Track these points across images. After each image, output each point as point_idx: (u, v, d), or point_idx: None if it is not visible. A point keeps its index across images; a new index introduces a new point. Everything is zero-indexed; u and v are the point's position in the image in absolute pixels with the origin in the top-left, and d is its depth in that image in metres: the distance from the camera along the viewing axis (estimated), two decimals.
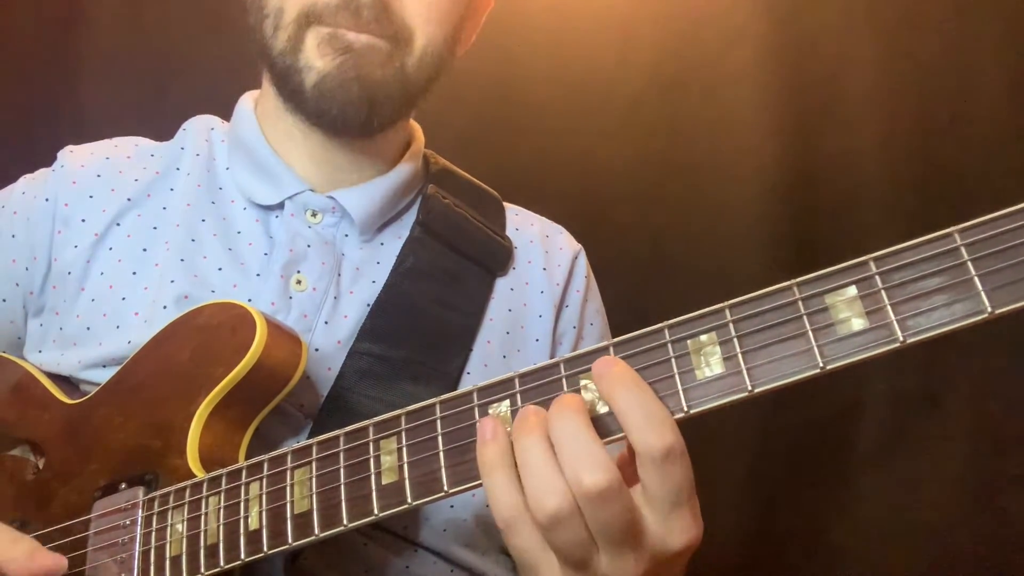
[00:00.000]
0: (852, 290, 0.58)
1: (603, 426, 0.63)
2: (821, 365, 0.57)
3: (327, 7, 0.90)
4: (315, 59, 0.91)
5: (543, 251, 1.09)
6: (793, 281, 0.60)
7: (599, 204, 1.73)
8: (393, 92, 0.95)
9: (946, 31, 1.70)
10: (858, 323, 0.57)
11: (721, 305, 0.62)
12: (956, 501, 1.64)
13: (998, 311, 0.54)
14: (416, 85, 0.97)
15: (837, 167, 1.72)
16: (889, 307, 0.56)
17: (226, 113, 1.08)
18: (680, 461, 0.60)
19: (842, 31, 1.74)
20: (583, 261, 1.12)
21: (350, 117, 0.94)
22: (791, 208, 1.70)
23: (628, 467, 0.63)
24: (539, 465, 0.61)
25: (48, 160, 1.06)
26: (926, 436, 1.66)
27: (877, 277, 0.57)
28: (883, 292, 0.57)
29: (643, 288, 1.62)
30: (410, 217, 1.04)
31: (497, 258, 1.05)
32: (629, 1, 1.78)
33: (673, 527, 0.61)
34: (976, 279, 0.54)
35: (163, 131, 1.09)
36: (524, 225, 1.12)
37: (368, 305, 0.96)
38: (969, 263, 0.55)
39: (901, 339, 0.56)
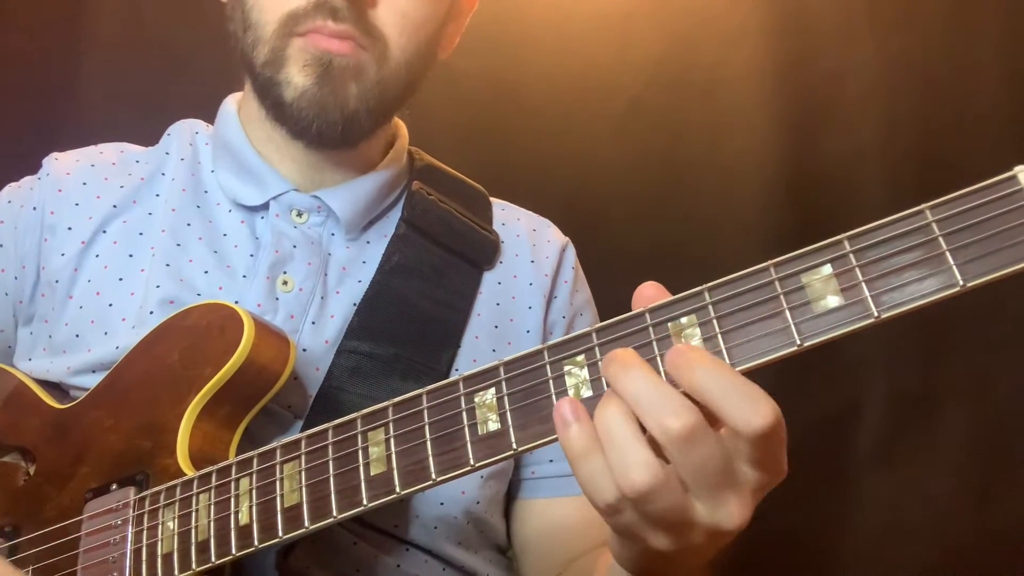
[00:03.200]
0: (827, 268, 0.59)
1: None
2: (798, 342, 0.58)
3: (304, 10, 0.90)
4: (296, 74, 0.92)
5: (530, 244, 1.10)
6: (770, 262, 0.61)
7: (599, 203, 1.74)
8: (370, 106, 0.95)
9: (946, 31, 1.71)
10: (834, 300, 0.58)
11: (700, 288, 0.62)
12: (956, 501, 1.64)
13: (970, 284, 0.55)
14: (392, 95, 0.98)
15: (837, 167, 1.72)
16: (864, 283, 0.57)
17: None
18: (781, 429, 0.58)
19: (842, 31, 1.75)
20: (571, 252, 1.13)
21: (326, 133, 0.94)
22: (791, 207, 1.71)
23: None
24: (622, 438, 0.58)
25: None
26: (926, 436, 1.66)
27: (851, 255, 0.58)
28: (857, 269, 0.58)
29: None
30: (395, 215, 1.05)
31: (484, 252, 1.06)
32: (629, 1, 1.79)
33: (766, 473, 0.60)
34: (947, 254, 0.55)
35: (163, 132, 1.10)
36: (510, 219, 1.12)
37: (355, 304, 0.97)
38: (940, 238, 0.56)
39: (876, 314, 0.57)
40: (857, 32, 1.75)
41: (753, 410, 0.57)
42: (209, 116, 1.10)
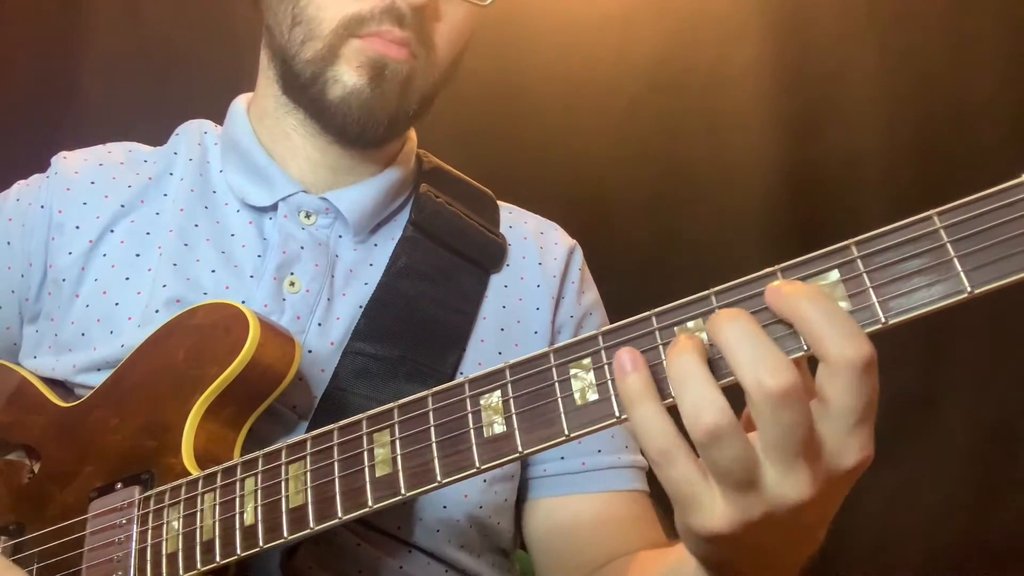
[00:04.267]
0: (835, 274, 0.59)
1: None
2: (805, 347, 0.58)
3: (371, 14, 0.91)
4: (346, 73, 0.92)
5: (538, 247, 1.09)
6: (777, 267, 0.61)
7: (599, 204, 1.75)
8: (410, 110, 0.97)
9: (946, 31, 1.72)
10: (842, 306, 0.58)
11: (706, 292, 0.62)
12: (955, 501, 1.65)
13: (977, 291, 0.55)
14: (429, 101, 1.00)
15: (837, 166, 1.73)
16: (871, 289, 0.57)
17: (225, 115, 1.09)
18: (875, 373, 0.56)
19: (842, 31, 1.76)
20: (579, 254, 1.13)
21: (368, 133, 0.96)
22: (791, 206, 1.72)
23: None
24: (696, 379, 0.57)
25: (47, 162, 1.07)
26: (926, 436, 1.67)
27: (859, 261, 0.58)
28: (865, 275, 0.58)
29: (644, 288, 1.62)
30: (403, 217, 1.05)
31: (491, 255, 1.06)
32: (630, 1, 1.80)
33: (852, 443, 0.57)
34: (955, 260, 0.55)
35: (164, 131, 1.10)
36: (518, 222, 1.12)
37: (361, 307, 0.97)
38: (948, 245, 0.56)
39: (883, 320, 0.57)
40: (857, 32, 1.75)
41: (850, 342, 0.55)
42: (210, 115, 1.10)
